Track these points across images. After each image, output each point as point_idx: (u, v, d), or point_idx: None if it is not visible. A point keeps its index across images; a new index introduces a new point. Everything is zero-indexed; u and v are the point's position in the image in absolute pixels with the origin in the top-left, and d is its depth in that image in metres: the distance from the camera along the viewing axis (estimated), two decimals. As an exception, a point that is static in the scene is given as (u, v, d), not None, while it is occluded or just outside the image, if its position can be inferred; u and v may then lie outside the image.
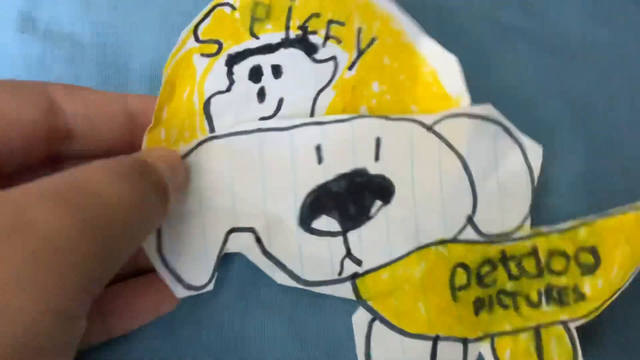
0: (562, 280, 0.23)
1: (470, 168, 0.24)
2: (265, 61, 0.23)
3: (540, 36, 0.27)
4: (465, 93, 0.23)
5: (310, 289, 0.23)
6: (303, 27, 0.23)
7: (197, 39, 0.22)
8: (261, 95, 0.23)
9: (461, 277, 0.23)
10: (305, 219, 0.23)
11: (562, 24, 0.27)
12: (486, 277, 0.23)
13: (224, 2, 0.23)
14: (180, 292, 0.22)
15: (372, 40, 0.23)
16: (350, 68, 0.23)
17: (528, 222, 0.24)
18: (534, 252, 0.24)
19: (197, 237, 0.22)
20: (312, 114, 0.23)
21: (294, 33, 0.23)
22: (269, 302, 0.24)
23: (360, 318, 0.23)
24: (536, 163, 0.24)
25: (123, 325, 0.22)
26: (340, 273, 0.23)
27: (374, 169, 0.23)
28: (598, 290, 0.23)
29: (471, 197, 0.24)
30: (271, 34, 0.23)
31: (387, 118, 0.23)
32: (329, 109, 0.23)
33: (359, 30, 0.23)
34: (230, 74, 0.22)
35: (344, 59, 0.23)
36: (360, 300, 0.23)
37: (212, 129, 0.22)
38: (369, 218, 0.23)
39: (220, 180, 0.22)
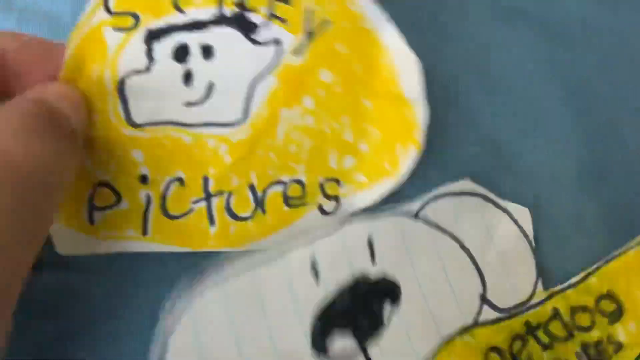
0: (594, 335, 0.22)
1: (467, 246, 0.23)
2: (193, 40, 0.19)
3: (542, 19, 0.26)
4: (422, 99, 0.21)
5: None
6: (240, 4, 0.19)
7: (108, 10, 0.19)
8: (187, 78, 0.20)
9: (495, 362, 0.22)
10: (320, 346, 0.21)
11: (565, 7, 0.27)
12: (521, 355, 0.22)
13: None
14: None
15: (325, 23, 0.20)
16: (296, 53, 0.20)
17: (540, 285, 0.23)
18: (556, 315, 0.23)
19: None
20: (247, 104, 0.20)
21: (228, 9, 0.19)
22: None
23: None
24: (527, 225, 0.24)
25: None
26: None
27: (373, 272, 0.22)
28: (633, 334, 0.22)
29: (477, 274, 0.23)
30: (200, 9, 0.19)
31: (372, 217, 0.22)
32: (269, 98, 0.20)
33: (309, 10, 0.20)
34: (149, 52, 0.19)
35: (289, 42, 0.20)
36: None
37: (127, 113, 0.19)
38: (384, 326, 0.21)
39: (221, 331, 0.20)
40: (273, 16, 0.20)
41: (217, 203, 0.20)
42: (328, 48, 0.20)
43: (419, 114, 0.21)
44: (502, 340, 0.22)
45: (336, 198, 0.22)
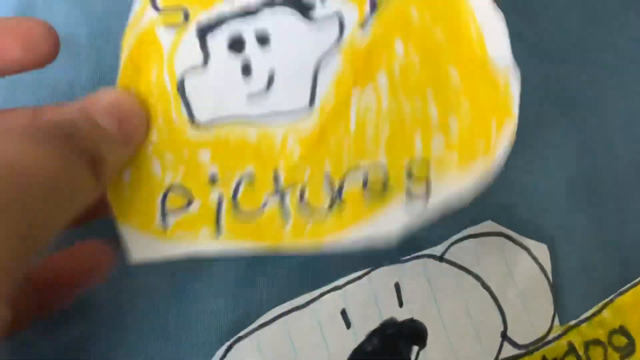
0: (608, 369, 0.24)
1: (488, 285, 0.24)
2: (247, 27, 0.18)
3: (532, 38, 0.27)
4: (513, 66, 0.19)
5: None
6: None
7: (156, 7, 0.18)
8: (246, 69, 0.19)
9: (514, 397, 0.23)
10: (351, 390, 0.22)
11: (557, 27, 0.28)
12: (539, 390, 0.23)
13: None
14: None
15: None
16: (362, 26, 0.19)
17: (557, 321, 0.24)
18: (571, 349, 0.24)
19: None
20: (313, 90, 0.19)
21: None
22: None
23: None
24: (546, 262, 0.24)
25: (57, 299, 0.20)
26: None
27: (400, 315, 0.23)
28: (644, 371, 0.24)
29: (498, 312, 0.24)
30: None
31: (399, 261, 0.23)
32: (336, 81, 0.19)
33: None
34: (204, 46, 0.19)
35: (353, 15, 0.18)
36: None
37: (190, 113, 0.19)
38: (411, 367, 0.22)
39: None
40: None
41: (290, 197, 0.19)
42: (400, 15, 0.19)
43: (513, 82, 0.19)
44: (522, 378, 0.23)
45: (426, 180, 0.19)
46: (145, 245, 0.19)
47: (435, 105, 0.19)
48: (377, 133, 0.19)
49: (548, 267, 0.24)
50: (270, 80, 0.19)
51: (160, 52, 0.18)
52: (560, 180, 0.26)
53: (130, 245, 0.19)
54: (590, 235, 0.26)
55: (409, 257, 0.23)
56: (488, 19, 0.18)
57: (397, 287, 0.23)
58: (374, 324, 0.22)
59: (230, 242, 0.19)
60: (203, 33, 0.18)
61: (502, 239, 0.24)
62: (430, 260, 0.23)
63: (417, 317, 0.23)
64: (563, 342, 0.24)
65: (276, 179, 0.19)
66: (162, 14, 0.18)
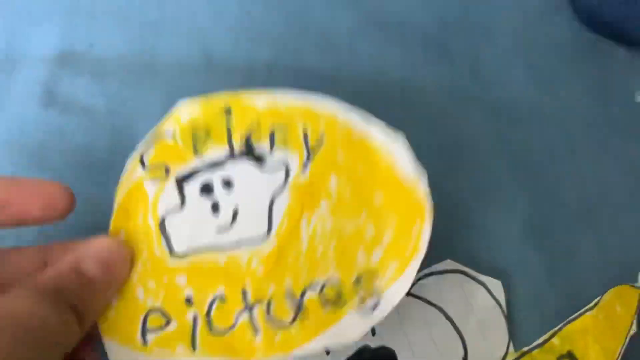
0: (557, 390, 0.27)
1: (450, 316, 0.27)
2: (215, 176, 0.23)
3: (489, 103, 0.32)
4: (421, 171, 0.24)
5: None
6: (246, 138, 0.23)
7: (142, 164, 0.23)
8: (215, 208, 0.23)
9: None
10: (330, 408, 0.25)
11: (508, 91, 0.33)
12: (496, 408, 0.26)
13: (165, 134, 0.23)
14: None
15: (321, 139, 0.23)
16: (303, 168, 0.23)
17: (512, 348, 0.28)
18: (525, 372, 0.27)
19: None
20: (269, 220, 0.23)
21: (238, 147, 0.23)
22: None
23: None
24: (500, 296, 0.28)
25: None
26: None
27: (374, 343, 0.26)
28: (588, 390, 0.27)
29: (459, 340, 0.27)
30: (215, 151, 0.23)
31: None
32: (287, 212, 0.23)
33: (305, 132, 0.23)
34: (181, 192, 0.23)
35: (295, 161, 0.23)
36: None
37: (169, 246, 0.23)
38: (383, 389, 0.26)
39: None
40: (275, 143, 0.23)
41: (258, 312, 0.23)
42: (329, 157, 0.24)
43: (423, 189, 0.24)
44: (481, 397, 0.26)
45: (375, 293, 0.24)
46: (125, 356, 0.22)
47: (370, 223, 0.24)
48: (326, 251, 0.23)
49: (503, 301, 0.28)
50: (235, 215, 0.23)
51: (146, 200, 0.23)
52: (515, 224, 0.30)
53: (111, 355, 0.22)
54: (541, 272, 0.30)
55: (379, 291, 0.27)
56: (392, 145, 0.24)
57: (370, 318, 0.26)
58: (350, 351, 0.26)
59: (205, 357, 0.23)
60: (180, 182, 0.23)
61: (461, 275, 0.28)
62: (399, 295, 0.27)
63: (388, 344, 0.26)
64: (518, 366, 0.27)
65: (244, 295, 0.23)
66: (148, 169, 0.23)
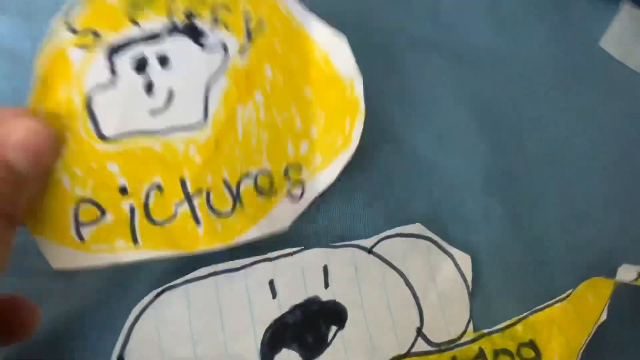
0: (512, 377, 0.25)
1: (411, 283, 0.25)
2: (151, 51, 0.21)
3: (450, 48, 0.30)
4: (356, 73, 0.24)
5: None
6: (188, 13, 0.21)
7: (71, 29, 0.20)
8: (149, 87, 0.21)
9: (421, 390, 0.24)
10: (267, 355, 0.23)
11: (469, 36, 0.31)
12: (445, 386, 0.25)
13: None
14: None
15: (261, 24, 0.22)
16: (241, 54, 0.22)
17: (471, 327, 0.26)
18: (481, 354, 0.25)
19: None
20: (205, 105, 0.22)
21: (178, 19, 0.21)
22: None
23: None
24: (467, 271, 0.26)
25: None
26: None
27: (325, 295, 0.24)
28: (545, 381, 0.25)
29: (417, 309, 0.25)
30: (153, 21, 0.21)
31: (330, 247, 0.25)
32: (224, 98, 0.22)
33: (246, 14, 0.22)
34: (112, 66, 0.20)
35: (234, 44, 0.22)
36: None
37: (97, 128, 0.20)
38: (327, 345, 0.24)
39: (180, 329, 0.23)
40: (217, 21, 0.21)
41: (198, 202, 0.22)
42: (267, 46, 0.23)
43: (358, 86, 0.24)
44: (430, 371, 0.25)
45: (301, 182, 0.24)
46: (63, 255, 0.20)
47: (299, 117, 0.24)
48: (259, 142, 0.23)
49: (469, 277, 0.26)
50: (170, 98, 0.21)
51: (69, 70, 0.20)
52: (477, 172, 0.29)
53: (47, 256, 0.20)
54: (505, 223, 0.28)
55: (339, 244, 0.25)
56: (330, 42, 0.24)
57: (325, 269, 0.25)
58: (298, 299, 0.24)
59: (148, 251, 0.21)
60: (112, 54, 0.20)
61: (429, 243, 0.26)
62: (359, 251, 0.25)
63: (340, 300, 0.24)
64: (475, 347, 0.25)
65: (183, 185, 0.22)
66: (76, 35, 0.20)
